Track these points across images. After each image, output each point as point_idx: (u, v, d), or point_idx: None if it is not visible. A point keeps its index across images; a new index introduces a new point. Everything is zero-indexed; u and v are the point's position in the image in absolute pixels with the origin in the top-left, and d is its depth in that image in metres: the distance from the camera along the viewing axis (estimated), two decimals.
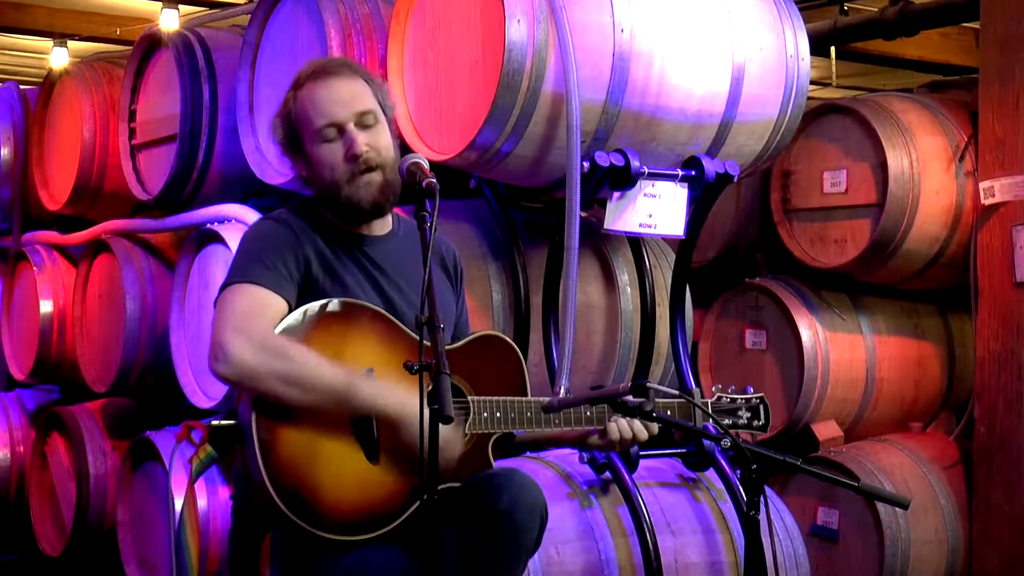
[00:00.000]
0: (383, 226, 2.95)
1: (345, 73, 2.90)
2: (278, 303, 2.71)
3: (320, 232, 2.84)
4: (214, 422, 2.72)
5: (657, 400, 2.92)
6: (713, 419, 3.15)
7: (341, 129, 2.83)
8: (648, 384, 2.80)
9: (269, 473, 2.57)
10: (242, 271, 2.73)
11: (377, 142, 2.85)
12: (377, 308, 2.79)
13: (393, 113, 2.96)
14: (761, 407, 3.23)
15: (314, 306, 2.73)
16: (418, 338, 2.74)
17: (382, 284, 2.85)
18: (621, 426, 2.94)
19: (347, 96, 2.85)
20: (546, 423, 2.88)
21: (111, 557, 4.95)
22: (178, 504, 3.12)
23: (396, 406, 2.64)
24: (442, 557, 2.42)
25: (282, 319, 2.69)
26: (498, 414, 2.81)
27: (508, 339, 3.01)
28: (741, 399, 3.21)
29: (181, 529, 2.87)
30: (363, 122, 2.84)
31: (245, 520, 2.80)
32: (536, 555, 3.40)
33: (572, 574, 3.48)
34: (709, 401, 3.20)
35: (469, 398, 2.79)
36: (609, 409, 2.93)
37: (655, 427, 2.96)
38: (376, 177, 2.83)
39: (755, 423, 3.22)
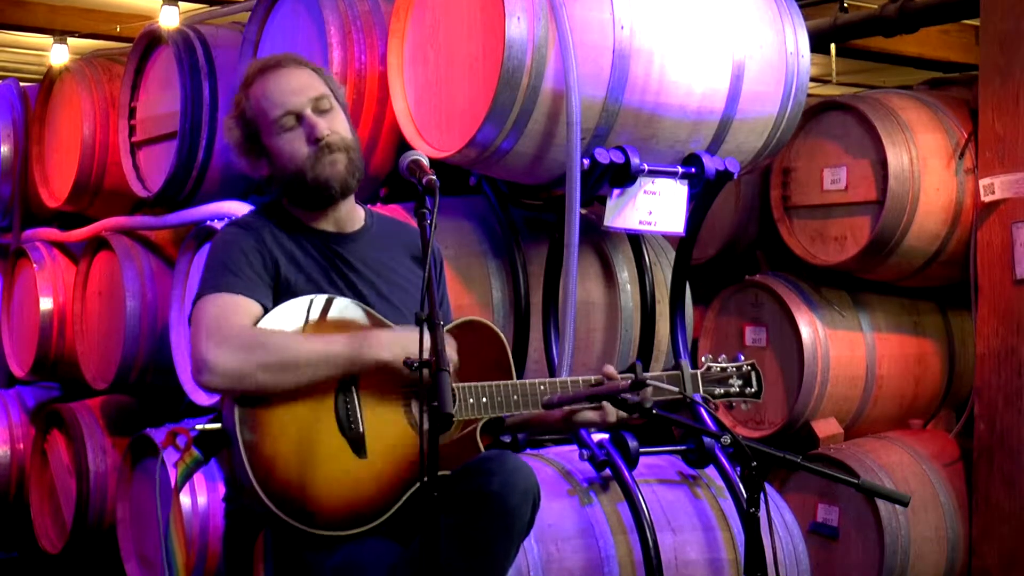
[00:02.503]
0: (353, 222, 2.93)
1: (292, 64, 2.91)
2: (251, 305, 2.69)
3: (288, 232, 2.83)
4: (199, 426, 2.70)
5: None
6: (703, 404, 3.12)
7: (299, 117, 2.82)
8: (648, 382, 2.79)
9: (256, 474, 2.56)
10: (211, 283, 2.72)
11: (336, 126, 2.84)
12: (355, 302, 2.77)
13: (346, 101, 2.96)
14: (753, 374, 3.19)
15: (289, 305, 2.71)
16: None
17: (353, 280, 2.83)
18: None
19: (299, 85, 2.85)
20: (533, 406, 2.86)
21: (111, 554, 4.95)
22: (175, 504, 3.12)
23: (401, 354, 2.61)
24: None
25: (257, 321, 2.67)
26: (484, 399, 2.79)
27: (490, 324, 2.98)
28: (732, 367, 3.17)
29: (168, 531, 2.87)
30: (319, 107, 2.84)
31: (237, 521, 2.79)
32: (535, 552, 3.41)
33: (572, 571, 3.48)
34: (699, 373, 3.14)
35: (454, 385, 2.76)
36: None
37: (648, 391, 2.90)
38: (341, 157, 2.82)
39: (748, 390, 3.17)
